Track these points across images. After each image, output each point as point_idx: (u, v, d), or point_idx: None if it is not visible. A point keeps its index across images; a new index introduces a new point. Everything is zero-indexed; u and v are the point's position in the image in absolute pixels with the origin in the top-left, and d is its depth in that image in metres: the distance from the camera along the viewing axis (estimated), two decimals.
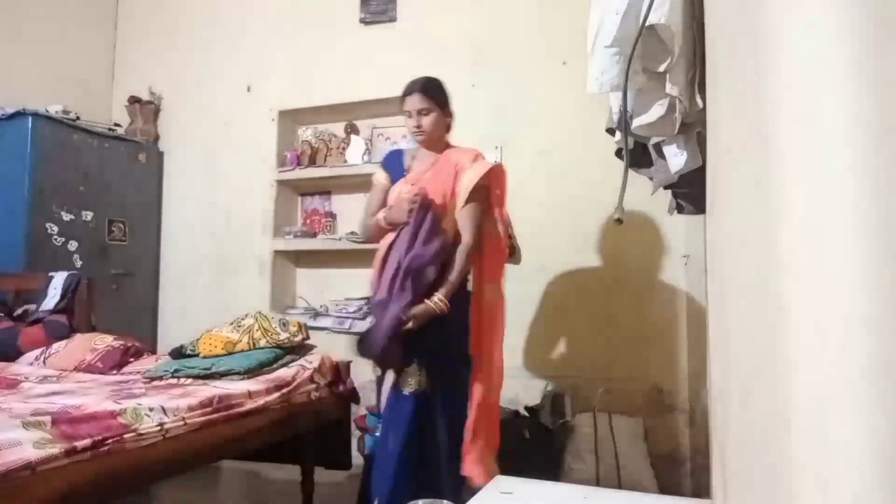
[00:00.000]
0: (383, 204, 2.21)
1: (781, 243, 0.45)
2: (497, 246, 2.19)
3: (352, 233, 3.45)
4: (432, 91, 2.14)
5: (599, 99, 1.45)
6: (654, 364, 2.82)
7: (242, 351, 2.14)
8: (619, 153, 1.70)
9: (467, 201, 2.07)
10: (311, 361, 2.24)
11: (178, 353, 2.22)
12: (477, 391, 2.07)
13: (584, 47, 1.27)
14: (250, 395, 1.89)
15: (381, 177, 2.28)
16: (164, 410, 1.59)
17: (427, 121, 2.12)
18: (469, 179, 2.07)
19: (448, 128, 2.23)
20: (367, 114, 3.62)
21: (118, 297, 3.58)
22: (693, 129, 1.29)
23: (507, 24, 3.23)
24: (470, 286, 2.19)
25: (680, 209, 1.88)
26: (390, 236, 2.11)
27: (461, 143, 2.30)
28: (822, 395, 0.39)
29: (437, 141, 2.19)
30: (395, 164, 2.27)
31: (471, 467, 2.00)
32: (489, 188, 2.13)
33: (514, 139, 3.12)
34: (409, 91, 2.14)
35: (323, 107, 3.64)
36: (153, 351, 2.70)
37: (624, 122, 1.30)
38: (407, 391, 2.01)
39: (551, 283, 2.96)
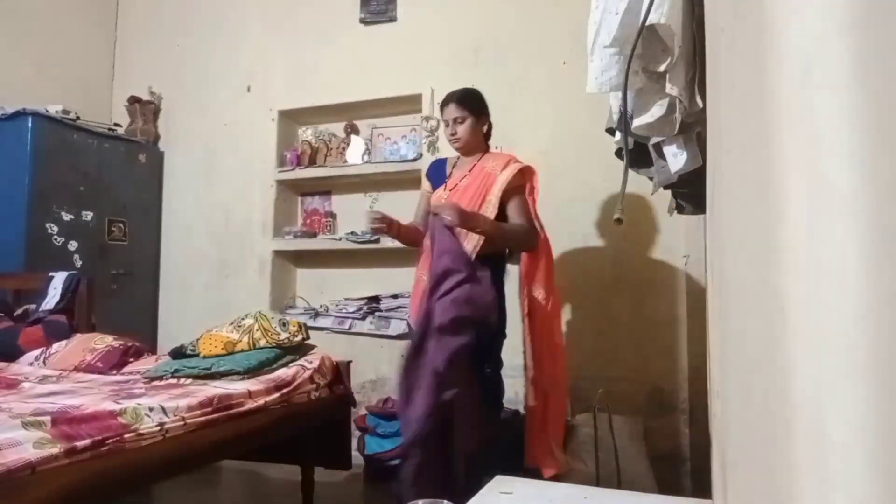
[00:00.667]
0: (428, 210, 2.32)
1: (781, 243, 0.45)
2: (548, 246, 2.34)
3: (352, 233, 3.45)
4: (466, 100, 2.29)
5: (599, 99, 1.45)
6: (654, 364, 2.82)
7: (242, 351, 2.13)
8: (619, 153, 1.70)
9: (505, 199, 2.18)
10: (311, 361, 2.24)
11: (178, 353, 2.22)
12: (539, 385, 2.23)
13: (584, 47, 1.27)
14: (250, 395, 1.89)
15: (425, 185, 2.49)
16: (164, 410, 1.59)
17: (462, 128, 2.27)
18: (501, 182, 2.19)
19: (486, 134, 2.38)
20: (367, 114, 3.63)
21: (118, 297, 3.58)
22: (693, 129, 1.29)
23: (507, 24, 3.23)
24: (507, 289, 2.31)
25: (680, 209, 1.88)
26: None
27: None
28: (822, 395, 0.39)
29: (474, 147, 2.32)
30: (437, 172, 2.42)
31: (542, 458, 2.16)
32: (524, 187, 2.26)
33: (514, 139, 3.12)
34: (446, 102, 2.30)
35: (323, 107, 3.64)
36: (153, 351, 2.70)
37: (624, 122, 1.30)
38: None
39: None
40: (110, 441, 1.41)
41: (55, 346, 2.41)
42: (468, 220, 2.04)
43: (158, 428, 1.54)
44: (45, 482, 1.24)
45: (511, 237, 2.20)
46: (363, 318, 3.34)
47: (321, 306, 3.54)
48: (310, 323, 3.09)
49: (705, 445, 2.80)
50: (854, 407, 0.36)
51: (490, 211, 2.17)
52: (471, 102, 2.28)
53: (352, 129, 3.67)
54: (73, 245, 3.36)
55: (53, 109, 3.35)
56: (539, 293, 2.28)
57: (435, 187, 2.39)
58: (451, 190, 2.28)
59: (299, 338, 2.28)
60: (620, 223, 1.29)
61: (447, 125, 2.30)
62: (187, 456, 1.66)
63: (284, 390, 2.03)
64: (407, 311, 3.27)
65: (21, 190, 3.17)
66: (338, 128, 3.74)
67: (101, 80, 4.14)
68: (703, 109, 1.15)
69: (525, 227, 2.19)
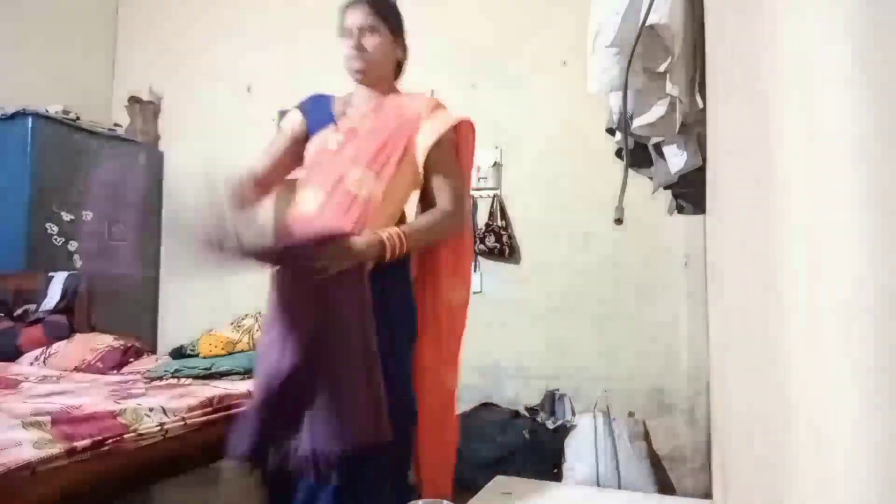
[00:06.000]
0: (287, 160, 1.68)
1: (781, 243, 0.45)
2: (468, 227, 1.70)
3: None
4: (383, 8, 1.59)
5: (599, 99, 1.45)
6: (654, 364, 2.82)
7: (242, 351, 2.14)
8: (619, 153, 1.71)
9: (432, 158, 1.52)
10: None
11: (178, 353, 2.22)
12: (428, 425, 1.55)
13: (584, 47, 1.27)
14: (250, 394, 1.89)
15: (292, 121, 1.70)
16: (164, 410, 1.59)
17: (372, 42, 1.56)
18: (432, 131, 1.52)
19: (399, 67, 1.68)
20: None
21: (118, 297, 3.58)
22: (693, 129, 1.30)
23: (506, 24, 3.23)
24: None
25: (680, 209, 1.88)
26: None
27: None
28: (821, 395, 0.39)
29: (381, 79, 1.62)
30: (319, 108, 1.69)
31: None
32: (456, 148, 1.61)
33: (514, 139, 3.12)
34: (353, 3, 1.59)
35: None
36: (153, 351, 2.70)
37: (624, 122, 1.30)
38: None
39: (551, 283, 2.96)
40: (110, 441, 1.41)
41: (55, 346, 2.41)
42: (363, 252, 1.37)
43: (158, 428, 1.54)
44: (45, 482, 1.24)
45: (429, 238, 1.54)
46: None
47: None
48: None
49: (705, 445, 2.81)
50: (854, 407, 0.36)
51: (409, 178, 1.54)
52: (388, 11, 1.60)
53: None
54: (73, 245, 3.36)
55: (53, 109, 3.35)
56: (457, 290, 1.66)
57: (313, 128, 1.65)
58: (347, 131, 1.58)
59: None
60: (620, 223, 1.29)
61: (349, 37, 1.58)
62: (187, 456, 1.66)
63: None
64: None
65: (21, 190, 3.17)
66: None
67: (101, 80, 4.13)
68: (703, 109, 1.15)
69: (447, 215, 1.53)
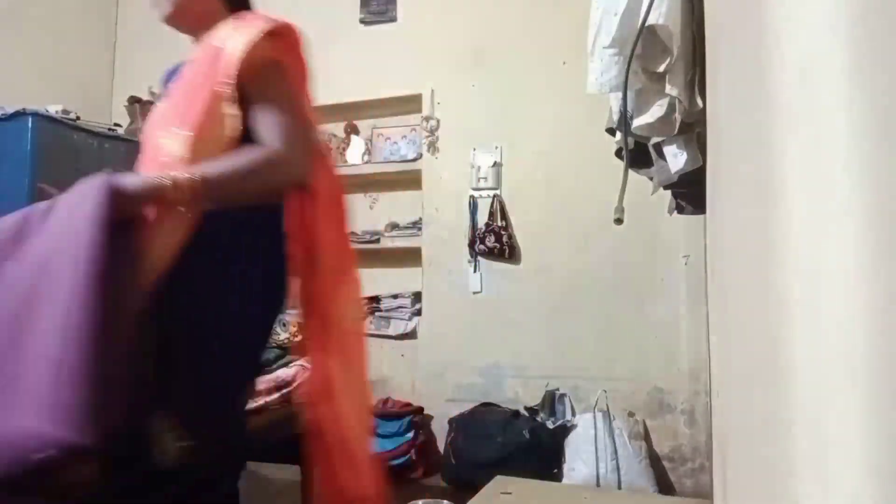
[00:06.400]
0: None
1: (781, 243, 0.46)
2: (332, 180, 1.27)
3: (352, 233, 3.46)
4: None
5: (599, 99, 1.46)
6: (654, 364, 2.82)
7: None
8: (619, 153, 1.71)
9: (246, 87, 1.08)
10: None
11: None
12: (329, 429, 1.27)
13: (583, 47, 1.27)
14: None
15: None
16: None
17: None
18: (233, 50, 1.08)
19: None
20: (367, 114, 3.62)
21: None
22: (693, 129, 1.30)
23: (506, 25, 3.23)
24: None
25: (680, 209, 1.88)
26: None
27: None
28: (821, 395, 0.39)
29: (197, 17, 1.28)
30: (164, 82, 1.43)
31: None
32: (279, 65, 1.17)
33: (514, 139, 3.12)
34: None
35: (323, 107, 3.63)
36: None
37: (624, 123, 1.31)
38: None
39: (551, 283, 2.96)
40: None
41: None
42: (125, 201, 1.05)
43: None
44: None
45: (246, 185, 1.05)
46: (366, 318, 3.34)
47: None
48: None
49: (705, 445, 2.81)
50: (854, 407, 0.36)
51: (223, 124, 1.08)
52: None
53: (352, 129, 3.67)
54: None
55: (53, 109, 3.35)
56: (340, 262, 1.32)
57: None
58: (167, 95, 1.27)
59: (299, 338, 2.29)
60: (620, 223, 1.29)
61: None
62: None
63: (284, 390, 2.03)
64: (407, 312, 3.28)
65: (21, 190, 3.17)
66: (338, 128, 3.73)
67: (101, 80, 4.14)
68: (704, 109, 1.15)
69: (271, 153, 1.06)
